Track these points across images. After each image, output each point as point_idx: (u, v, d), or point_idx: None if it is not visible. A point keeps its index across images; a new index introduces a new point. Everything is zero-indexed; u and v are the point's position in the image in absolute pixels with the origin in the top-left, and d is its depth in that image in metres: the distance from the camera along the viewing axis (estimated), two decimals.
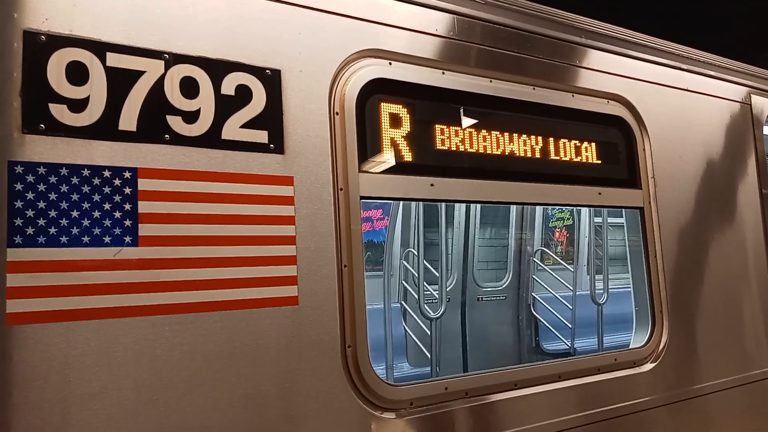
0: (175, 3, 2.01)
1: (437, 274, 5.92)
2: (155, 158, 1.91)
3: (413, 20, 2.53)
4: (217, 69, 2.05)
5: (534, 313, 6.94)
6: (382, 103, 2.44)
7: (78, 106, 1.81)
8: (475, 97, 2.69)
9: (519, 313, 6.96)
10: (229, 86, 2.06)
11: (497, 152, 2.71)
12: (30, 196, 1.73)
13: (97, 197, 1.81)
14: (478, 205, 6.70)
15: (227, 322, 1.97)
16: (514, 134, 2.76)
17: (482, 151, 2.67)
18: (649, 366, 3.03)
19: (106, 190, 1.83)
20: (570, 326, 6.91)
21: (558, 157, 2.90)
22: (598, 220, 7.26)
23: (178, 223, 1.92)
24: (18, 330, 1.68)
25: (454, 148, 2.60)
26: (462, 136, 2.62)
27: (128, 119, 1.88)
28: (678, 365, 3.15)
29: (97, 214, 1.81)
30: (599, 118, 3.10)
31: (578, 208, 6.69)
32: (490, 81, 2.74)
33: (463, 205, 6.62)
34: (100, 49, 1.86)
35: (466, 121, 2.65)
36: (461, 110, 2.66)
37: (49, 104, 1.77)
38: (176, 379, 1.87)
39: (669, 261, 3.20)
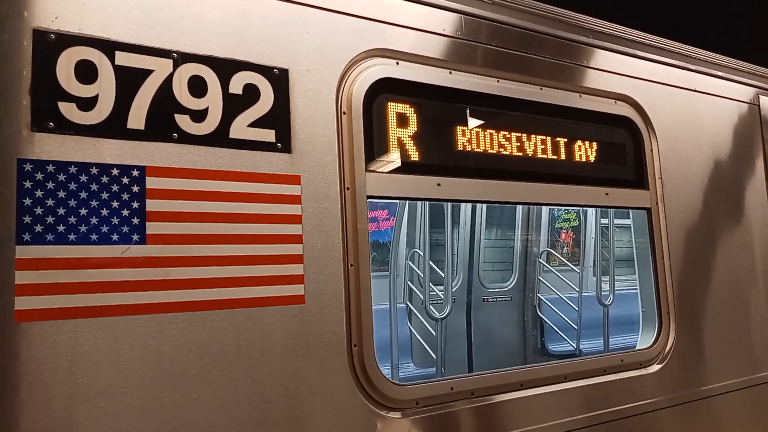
0: (183, 2, 2.01)
1: (443, 275, 5.92)
2: (163, 157, 1.92)
3: (421, 20, 2.53)
4: (225, 68, 2.05)
5: (540, 314, 6.93)
6: (389, 103, 2.44)
7: (87, 104, 1.82)
8: (483, 97, 2.69)
9: (524, 314, 6.95)
10: (236, 85, 2.07)
11: (504, 152, 2.70)
12: (39, 193, 1.73)
13: (105, 195, 1.82)
14: (484, 206, 6.70)
15: (234, 320, 1.97)
16: (521, 134, 2.76)
17: (489, 151, 2.66)
18: (655, 367, 3.02)
19: (114, 188, 1.84)
20: (576, 328, 6.89)
21: (565, 158, 2.89)
22: (605, 221, 7.24)
23: (185, 221, 1.93)
24: (26, 327, 1.68)
25: (461, 148, 2.60)
26: (469, 136, 2.62)
27: (136, 118, 1.89)
28: (685, 367, 3.13)
29: (105, 212, 1.82)
30: (607, 119, 3.09)
31: (585, 208, 6.66)
32: (498, 81, 2.74)
33: (469, 206, 6.63)
34: (109, 47, 1.87)
35: (473, 121, 2.65)
36: (468, 110, 2.66)
37: (58, 102, 1.78)
38: (183, 377, 1.87)
39: (676, 262, 3.19)
